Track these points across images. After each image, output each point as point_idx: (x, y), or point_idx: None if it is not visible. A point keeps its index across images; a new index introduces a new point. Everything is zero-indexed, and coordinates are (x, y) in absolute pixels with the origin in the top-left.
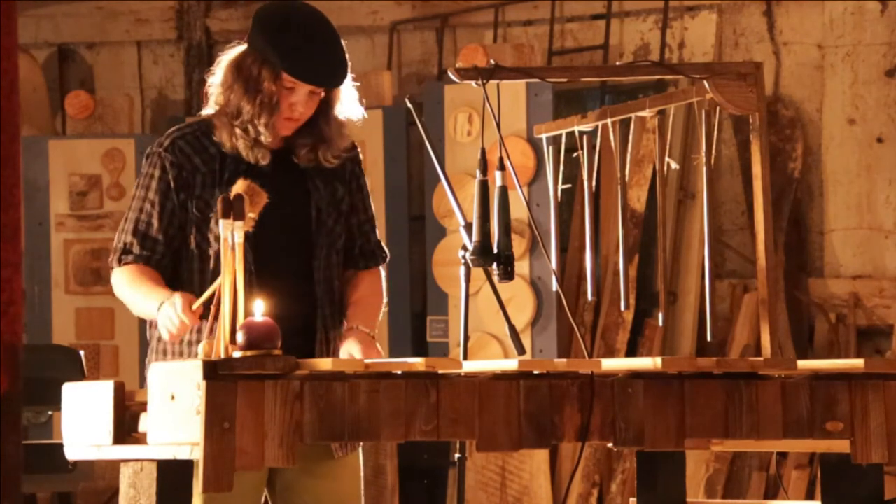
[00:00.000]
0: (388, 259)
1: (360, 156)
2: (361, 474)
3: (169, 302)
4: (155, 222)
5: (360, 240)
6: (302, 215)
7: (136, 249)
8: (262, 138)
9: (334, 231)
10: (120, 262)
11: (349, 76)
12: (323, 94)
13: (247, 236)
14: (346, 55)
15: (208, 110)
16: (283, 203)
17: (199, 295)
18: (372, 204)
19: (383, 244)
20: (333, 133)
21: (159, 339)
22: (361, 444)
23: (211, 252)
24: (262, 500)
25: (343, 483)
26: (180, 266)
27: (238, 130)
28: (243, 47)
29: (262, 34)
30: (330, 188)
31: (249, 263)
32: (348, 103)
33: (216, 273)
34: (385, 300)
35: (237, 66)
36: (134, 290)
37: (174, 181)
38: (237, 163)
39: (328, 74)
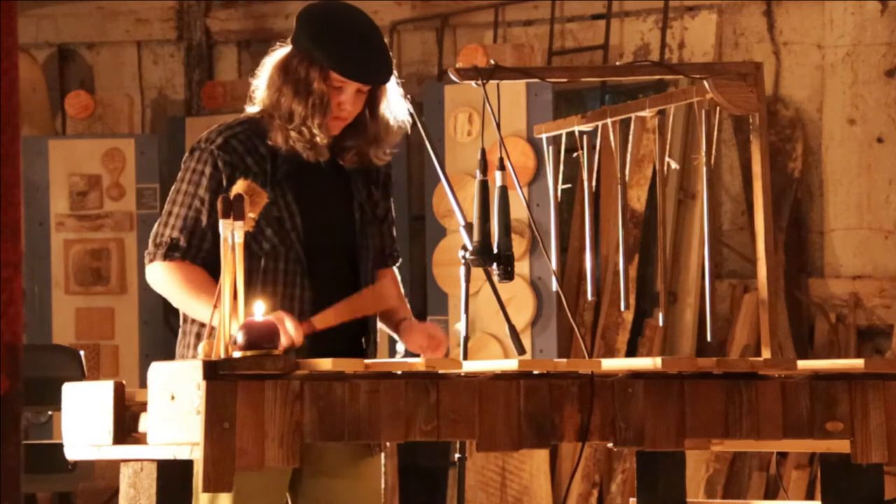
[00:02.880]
0: (400, 261)
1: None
2: (383, 472)
3: (275, 317)
4: (204, 219)
5: (389, 240)
6: (347, 217)
7: (183, 244)
8: (318, 139)
9: (373, 233)
10: (166, 257)
11: (394, 73)
12: (367, 92)
13: (299, 240)
14: (390, 52)
15: (252, 109)
16: (332, 206)
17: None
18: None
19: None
20: (381, 130)
21: (197, 334)
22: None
23: (261, 253)
24: (285, 501)
25: (366, 482)
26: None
27: (293, 133)
28: (288, 49)
29: (307, 35)
30: (367, 191)
31: (304, 265)
32: (394, 100)
33: (266, 273)
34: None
35: (284, 68)
36: (193, 296)
37: (227, 180)
38: (289, 163)
39: (375, 71)
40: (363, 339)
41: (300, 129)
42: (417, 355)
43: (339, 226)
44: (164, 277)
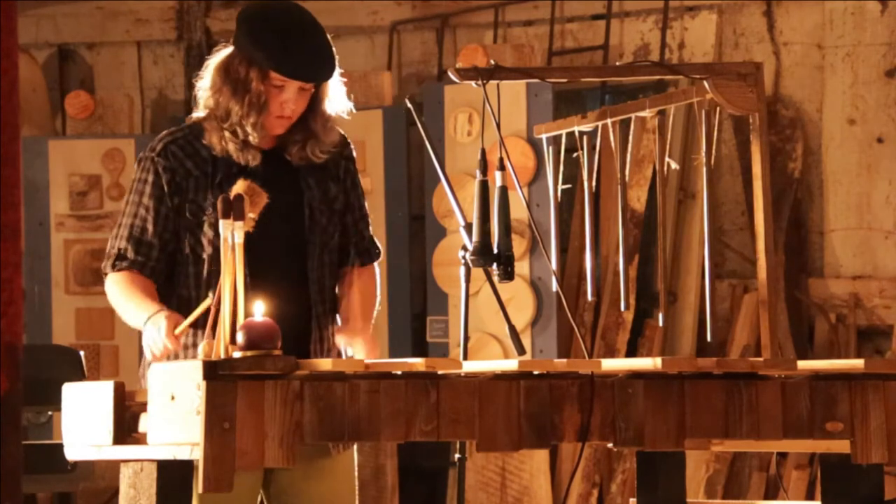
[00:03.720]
0: (381, 256)
1: (354, 153)
2: (356, 472)
3: (153, 322)
4: (150, 227)
5: (356, 237)
6: (295, 215)
7: (130, 255)
8: (251, 139)
9: (327, 230)
10: (114, 267)
11: (337, 70)
12: (312, 89)
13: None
14: (333, 49)
15: (198, 114)
16: (277, 203)
17: (194, 298)
18: (366, 201)
19: (377, 241)
20: (320, 128)
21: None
22: (360, 442)
23: (205, 255)
24: (259, 501)
25: (339, 483)
26: (175, 270)
27: (227, 133)
28: (229, 50)
29: (247, 34)
30: (323, 187)
31: (246, 266)
32: (336, 98)
33: (210, 276)
34: (378, 298)
35: (224, 69)
36: (125, 299)
37: (168, 186)
38: (229, 165)
39: (316, 69)
40: (309, 337)
41: (234, 129)
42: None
43: (287, 224)
44: (111, 289)
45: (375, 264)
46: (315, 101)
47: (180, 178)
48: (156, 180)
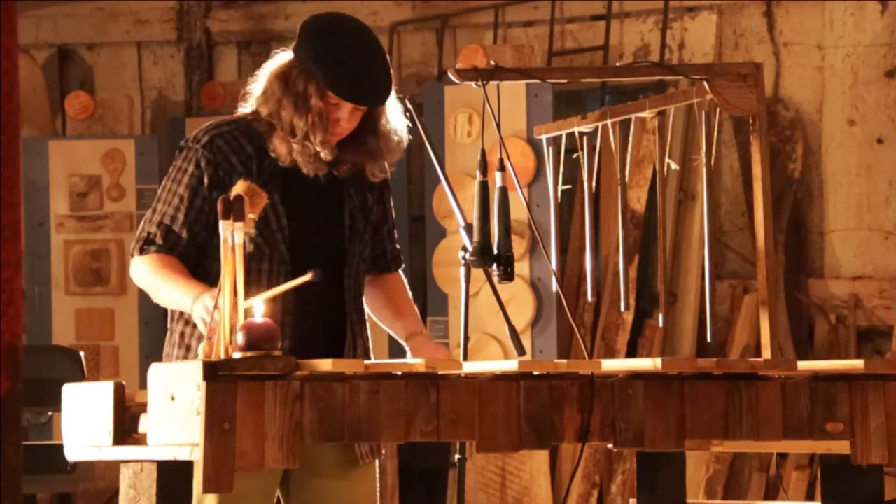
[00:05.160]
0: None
1: (386, 164)
2: (377, 476)
3: (201, 300)
4: (181, 217)
5: (390, 245)
6: (336, 222)
7: (158, 241)
8: (323, 155)
9: (363, 239)
10: (142, 251)
11: (393, 91)
12: (365, 109)
13: (285, 241)
14: (391, 69)
15: (244, 109)
16: (320, 209)
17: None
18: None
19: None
20: (383, 146)
21: (182, 333)
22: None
23: (245, 253)
24: (275, 501)
25: (360, 485)
26: (207, 262)
27: (296, 146)
28: (289, 57)
29: (307, 49)
30: (361, 196)
31: (288, 267)
32: (394, 116)
33: (249, 273)
34: None
35: (284, 78)
36: (161, 280)
37: (209, 179)
38: (275, 165)
39: (372, 92)
40: (344, 342)
41: (304, 144)
42: None
43: (327, 229)
44: (139, 270)
45: (401, 271)
46: (373, 121)
47: (223, 172)
48: (196, 172)
